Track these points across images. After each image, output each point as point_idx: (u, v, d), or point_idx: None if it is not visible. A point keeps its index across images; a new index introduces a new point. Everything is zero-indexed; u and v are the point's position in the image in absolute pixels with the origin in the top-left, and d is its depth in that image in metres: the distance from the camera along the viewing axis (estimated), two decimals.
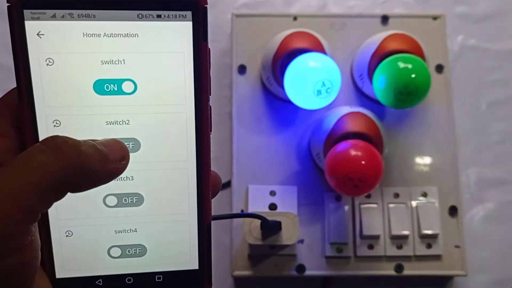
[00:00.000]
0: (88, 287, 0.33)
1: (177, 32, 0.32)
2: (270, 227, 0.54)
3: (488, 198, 0.65)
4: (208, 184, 0.34)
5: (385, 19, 0.65)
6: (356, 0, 0.70)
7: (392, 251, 0.59)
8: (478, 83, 0.68)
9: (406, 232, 0.59)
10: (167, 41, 0.31)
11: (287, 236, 0.55)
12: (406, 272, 0.59)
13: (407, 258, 0.60)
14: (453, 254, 0.60)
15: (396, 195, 0.61)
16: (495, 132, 0.67)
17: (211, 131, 0.33)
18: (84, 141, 0.28)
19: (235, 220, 0.60)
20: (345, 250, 0.59)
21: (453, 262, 0.60)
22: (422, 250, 0.60)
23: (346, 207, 0.60)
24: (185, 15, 0.32)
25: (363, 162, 0.52)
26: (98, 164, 0.28)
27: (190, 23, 0.32)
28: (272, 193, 0.60)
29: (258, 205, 0.60)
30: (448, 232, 0.60)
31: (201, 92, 0.32)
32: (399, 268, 0.59)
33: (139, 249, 0.34)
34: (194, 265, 0.35)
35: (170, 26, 0.31)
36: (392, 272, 0.59)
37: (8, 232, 0.26)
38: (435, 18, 0.65)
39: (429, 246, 0.60)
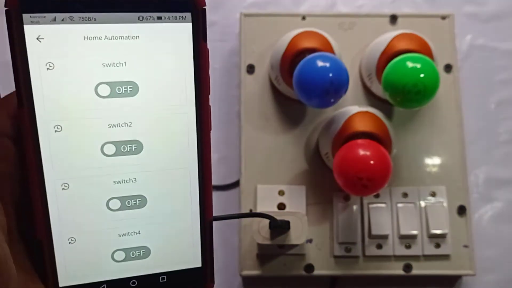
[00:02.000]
0: None
1: (177, 34, 0.32)
2: (279, 227, 0.54)
3: (497, 197, 0.65)
4: (209, 182, 0.34)
5: (393, 18, 0.65)
6: (365, 0, 0.70)
7: (401, 250, 0.59)
8: (487, 83, 0.68)
9: (414, 232, 0.59)
10: (167, 43, 0.32)
11: (296, 235, 0.55)
12: (415, 271, 0.59)
13: (416, 257, 0.60)
14: (462, 253, 0.60)
15: (405, 195, 0.61)
16: (503, 132, 0.67)
17: (211, 129, 0.34)
18: None
19: (244, 219, 0.60)
20: (353, 249, 0.59)
21: (461, 262, 0.60)
22: (430, 249, 0.60)
23: (355, 207, 0.60)
24: (185, 17, 0.32)
25: (371, 162, 0.52)
26: None
27: (190, 24, 0.32)
28: (281, 193, 0.60)
29: (267, 205, 0.60)
30: (456, 232, 0.60)
31: (202, 92, 0.33)
32: (407, 267, 0.59)
33: (143, 251, 0.34)
34: (197, 263, 0.35)
35: (171, 27, 0.31)
36: (400, 272, 0.59)
37: None
38: (443, 17, 0.65)
39: (437, 245, 0.60)
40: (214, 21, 0.69)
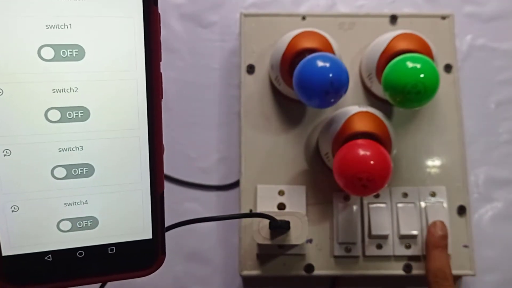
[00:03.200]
0: (37, 264, 0.32)
1: None
2: (279, 227, 0.54)
3: (497, 197, 0.65)
4: (161, 153, 0.33)
5: (393, 18, 0.65)
6: (365, 0, 0.70)
7: (401, 250, 0.59)
8: (487, 83, 0.68)
9: (414, 232, 0.59)
10: (116, 6, 0.30)
11: (296, 235, 0.55)
12: (415, 271, 0.59)
13: (416, 257, 0.60)
14: (462, 253, 0.60)
15: (405, 195, 0.61)
16: (503, 132, 0.67)
17: (162, 98, 0.33)
18: None
19: (244, 219, 0.60)
20: (353, 249, 0.59)
21: (461, 262, 0.60)
22: None
23: (355, 207, 0.60)
24: None
25: (371, 162, 0.52)
26: None
27: None
28: (281, 193, 0.60)
29: (267, 205, 0.60)
30: (456, 232, 0.60)
31: (152, 58, 0.32)
32: (407, 267, 0.59)
33: (90, 221, 0.33)
34: (148, 235, 0.34)
35: None
36: (400, 272, 0.59)
37: None
38: (443, 17, 0.65)
39: None
40: (214, 21, 0.69)
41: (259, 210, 0.59)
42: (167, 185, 0.64)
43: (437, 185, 0.61)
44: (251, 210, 0.60)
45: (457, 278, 0.62)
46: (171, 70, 0.67)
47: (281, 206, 0.60)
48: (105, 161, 0.32)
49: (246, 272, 0.59)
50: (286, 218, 0.55)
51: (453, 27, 0.65)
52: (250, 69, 0.64)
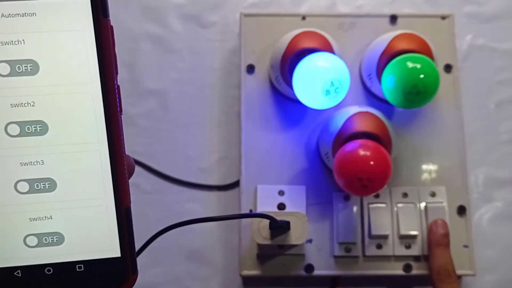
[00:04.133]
0: (7, 279, 0.32)
1: (75, 10, 0.31)
2: (279, 227, 0.54)
3: (497, 197, 0.65)
4: (123, 166, 0.33)
5: (393, 18, 0.65)
6: (365, 0, 0.70)
7: (401, 250, 0.59)
8: (487, 83, 0.68)
9: (414, 232, 0.59)
10: (66, 19, 0.31)
11: (296, 235, 0.55)
12: (415, 271, 0.59)
13: (416, 257, 0.60)
14: (462, 253, 0.60)
15: (405, 195, 0.61)
16: (503, 132, 0.67)
17: (121, 112, 0.33)
18: None
19: (244, 219, 0.60)
20: (353, 249, 0.59)
21: (461, 262, 0.60)
22: None
23: (355, 207, 0.60)
24: None
25: (371, 162, 0.52)
26: None
27: (88, 0, 0.31)
28: (281, 193, 0.60)
29: (267, 205, 0.60)
30: (456, 232, 0.60)
31: (106, 71, 0.32)
32: (407, 267, 0.59)
33: (56, 237, 0.32)
34: (116, 253, 0.33)
35: (68, 3, 0.31)
36: (400, 272, 0.59)
37: None
38: (443, 17, 0.65)
39: None
40: (214, 21, 0.69)
41: (259, 210, 0.59)
42: (168, 185, 0.64)
43: (437, 185, 0.61)
44: (251, 210, 0.60)
45: (457, 278, 0.62)
46: (171, 70, 0.67)
47: (281, 206, 0.60)
48: (67, 176, 0.32)
49: (246, 272, 0.59)
50: (286, 218, 0.55)
51: (453, 27, 0.65)
52: (250, 69, 0.64)
